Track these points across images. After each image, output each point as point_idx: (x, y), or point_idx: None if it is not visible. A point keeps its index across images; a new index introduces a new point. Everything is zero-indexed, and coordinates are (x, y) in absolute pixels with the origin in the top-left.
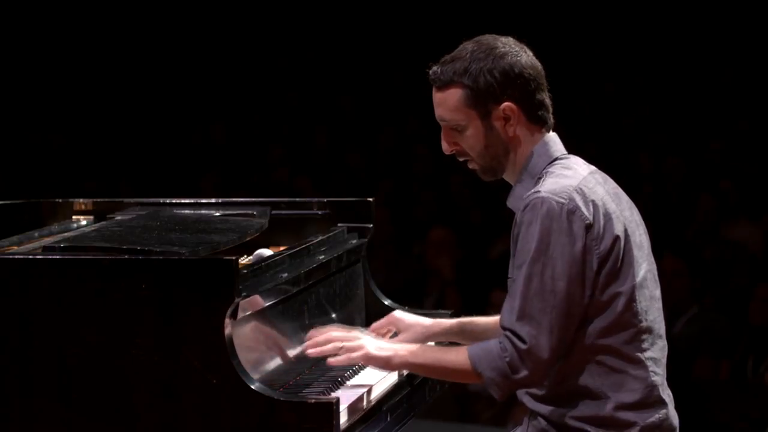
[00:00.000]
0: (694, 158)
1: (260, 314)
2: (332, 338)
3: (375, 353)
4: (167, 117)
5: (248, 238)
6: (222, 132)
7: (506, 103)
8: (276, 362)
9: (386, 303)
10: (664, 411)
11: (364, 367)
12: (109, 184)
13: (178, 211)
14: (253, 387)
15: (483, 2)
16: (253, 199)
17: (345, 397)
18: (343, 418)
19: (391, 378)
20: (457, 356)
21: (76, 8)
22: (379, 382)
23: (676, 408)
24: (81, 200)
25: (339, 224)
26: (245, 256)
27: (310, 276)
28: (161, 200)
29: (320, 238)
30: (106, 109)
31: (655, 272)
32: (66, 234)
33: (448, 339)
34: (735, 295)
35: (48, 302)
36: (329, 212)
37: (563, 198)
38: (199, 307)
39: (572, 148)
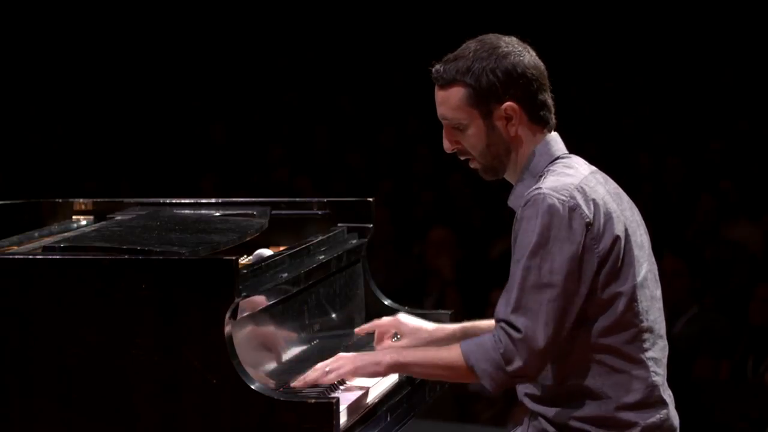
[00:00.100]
0: (694, 158)
1: (260, 314)
2: (317, 368)
3: (362, 363)
4: (167, 117)
5: (248, 238)
6: (222, 132)
7: (508, 103)
8: (276, 362)
9: (386, 303)
10: (664, 411)
11: None
12: (109, 184)
13: (178, 211)
14: (253, 387)
15: (483, 2)
16: (253, 199)
17: (345, 397)
18: (343, 418)
19: (391, 378)
20: (450, 353)
21: (76, 8)
22: (379, 382)
23: (677, 408)
24: (81, 200)
25: (339, 224)
26: (245, 256)
27: (310, 276)
28: (161, 200)
29: (320, 238)
30: (106, 109)
31: (656, 272)
32: (66, 234)
33: (450, 343)
34: (735, 295)
35: (48, 302)
36: (329, 212)
37: (564, 195)
38: (199, 307)
39: (572, 148)
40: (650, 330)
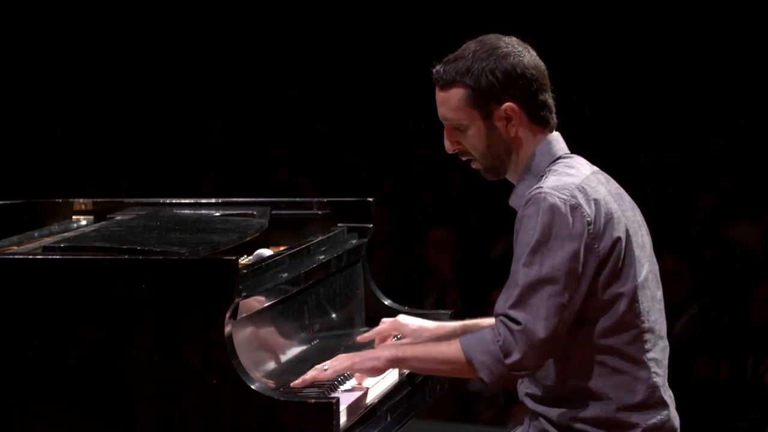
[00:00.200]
0: (694, 158)
1: (260, 314)
2: (316, 368)
3: (360, 358)
4: (167, 117)
5: (248, 238)
6: (222, 132)
7: (508, 104)
8: (276, 362)
9: (386, 303)
10: (665, 412)
11: None
12: (109, 184)
13: (178, 211)
14: (253, 387)
15: (484, 2)
16: (253, 199)
17: (345, 397)
18: (343, 419)
19: (391, 378)
20: (449, 347)
21: (76, 8)
22: (379, 382)
23: (677, 408)
24: (81, 200)
25: (339, 224)
26: (245, 256)
27: (310, 276)
28: (161, 200)
29: (320, 238)
30: (106, 109)
31: (657, 273)
32: (66, 234)
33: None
34: (735, 295)
35: (48, 302)
36: (329, 212)
37: (565, 194)
38: (199, 307)
39: (572, 148)
40: (651, 331)
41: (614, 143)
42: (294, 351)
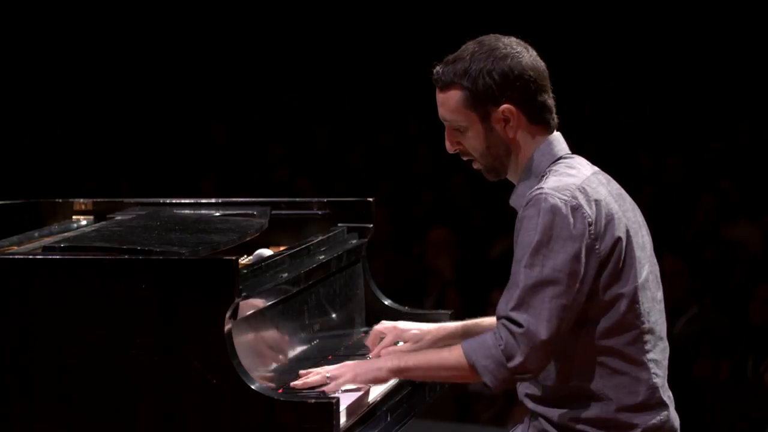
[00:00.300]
0: (694, 158)
1: (260, 314)
2: (319, 371)
3: (362, 370)
4: (167, 117)
5: (248, 238)
6: (222, 132)
7: (505, 106)
8: (276, 362)
9: (386, 303)
10: (665, 413)
11: None
12: (109, 184)
13: (178, 211)
14: (253, 387)
15: (483, 2)
16: (253, 199)
17: (345, 397)
18: (343, 419)
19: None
20: (451, 353)
21: (76, 8)
22: None
23: (676, 408)
24: (81, 200)
25: (339, 224)
26: (245, 256)
27: (310, 276)
28: (161, 200)
29: (320, 238)
30: (106, 110)
31: (658, 274)
32: (66, 234)
33: (453, 342)
34: (735, 295)
35: (48, 302)
36: (329, 212)
37: (566, 195)
38: (199, 307)
39: (572, 148)
40: (651, 331)
41: (614, 143)
42: (294, 351)
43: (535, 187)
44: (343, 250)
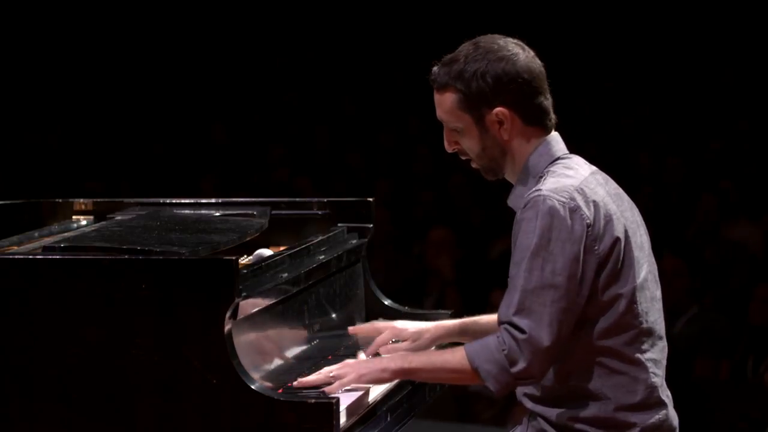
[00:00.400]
0: (694, 158)
1: (260, 314)
2: (321, 372)
3: (366, 370)
4: (167, 117)
5: (248, 238)
6: (222, 132)
7: (498, 108)
8: (276, 362)
9: (386, 303)
10: (664, 412)
11: None
12: (109, 184)
13: (178, 211)
14: (253, 387)
15: (483, 2)
16: (253, 199)
17: (345, 397)
18: (343, 419)
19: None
20: (454, 355)
21: (76, 8)
22: None
23: (676, 408)
24: (81, 200)
25: (339, 224)
26: (245, 256)
27: (310, 276)
28: (161, 200)
29: (320, 238)
30: (106, 110)
31: (656, 273)
32: (66, 234)
33: (451, 340)
34: (735, 295)
35: (48, 302)
36: (329, 212)
37: (564, 197)
38: (199, 307)
39: (572, 148)
40: (650, 331)
41: (614, 143)
42: (294, 351)
43: (533, 189)
44: (343, 250)
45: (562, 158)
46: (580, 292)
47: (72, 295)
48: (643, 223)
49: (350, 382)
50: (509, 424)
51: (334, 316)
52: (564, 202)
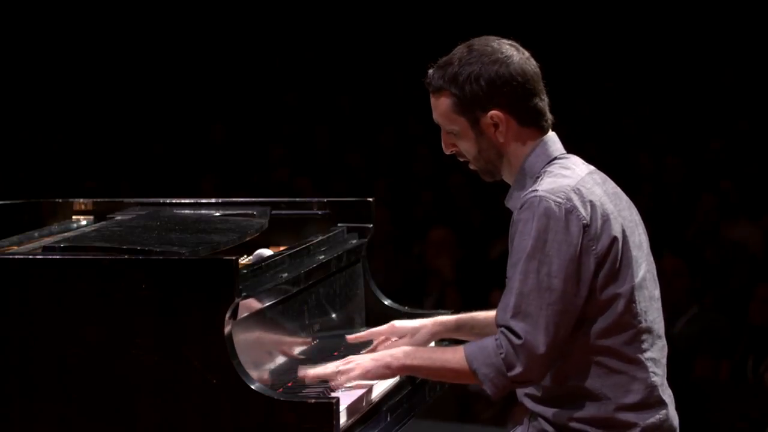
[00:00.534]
0: (694, 158)
1: (260, 314)
2: (328, 367)
3: (371, 365)
4: (167, 117)
5: (248, 238)
6: (222, 132)
7: (493, 111)
8: (276, 362)
9: (386, 303)
10: (664, 411)
11: None
12: (109, 184)
13: (178, 211)
14: (253, 387)
15: (483, 2)
16: (253, 199)
17: (345, 397)
18: (343, 419)
19: (392, 378)
20: (454, 355)
21: (76, 8)
22: (379, 382)
23: (676, 408)
24: (81, 200)
25: (339, 224)
26: (245, 256)
27: (310, 276)
28: (161, 200)
29: (320, 238)
30: (106, 110)
31: (654, 272)
32: (66, 234)
33: (448, 335)
34: (735, 295)
35: (48, 302)
36: (329, 212)
37: (561, 198)
38: (199, 307)
39: (572, 148)
40: (649, 330)
41: (614, 143)
42: (294, 351)
43: (530, 189)
44: (343, 250)
45: (559, 158)
46: (578, 293)
47: (72, 295)
48: (641, 222)
49: (356, 377)
50: (509, 424)
51: (334, 316)
52: (560, 203)
